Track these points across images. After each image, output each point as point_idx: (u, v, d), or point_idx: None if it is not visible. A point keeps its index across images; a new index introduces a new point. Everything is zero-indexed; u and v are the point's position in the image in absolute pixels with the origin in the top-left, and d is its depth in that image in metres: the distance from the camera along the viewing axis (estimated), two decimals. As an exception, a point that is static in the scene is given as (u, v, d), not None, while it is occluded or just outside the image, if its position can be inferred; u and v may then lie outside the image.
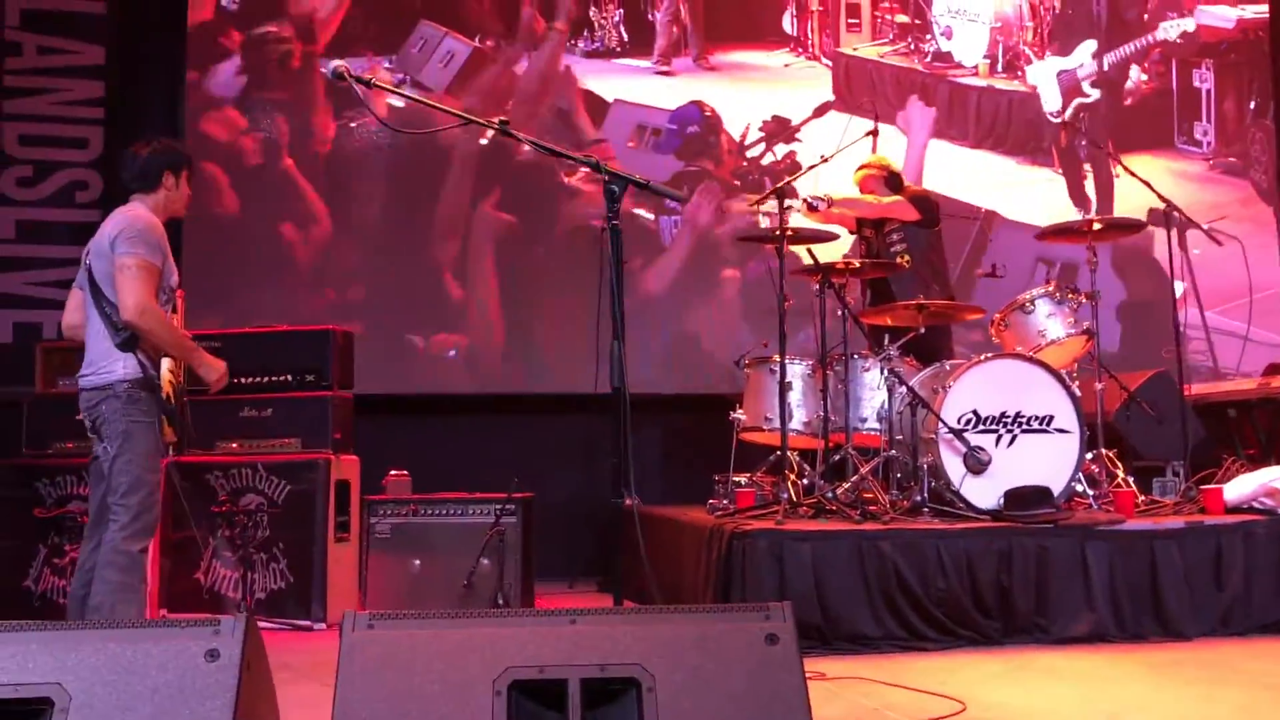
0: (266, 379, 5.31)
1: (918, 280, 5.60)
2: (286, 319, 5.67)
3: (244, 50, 6.57)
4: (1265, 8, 6.31)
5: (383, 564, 5.21)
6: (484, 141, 6.48)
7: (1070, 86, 5.68)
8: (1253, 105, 6.32)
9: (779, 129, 5.99)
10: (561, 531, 6.10)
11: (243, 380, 5.20)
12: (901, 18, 5.65)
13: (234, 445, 5.28)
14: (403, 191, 6.52)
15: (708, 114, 6.01)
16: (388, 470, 5.46)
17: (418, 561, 5.17)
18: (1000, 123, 5.62)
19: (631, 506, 2.90)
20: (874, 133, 6.34)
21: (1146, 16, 5.98)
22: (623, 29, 6.19)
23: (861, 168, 5.84)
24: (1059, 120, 5.50)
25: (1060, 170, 5.68)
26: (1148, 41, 5.89)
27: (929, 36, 5.50)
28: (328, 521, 5.12)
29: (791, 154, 6.04)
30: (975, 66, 5.59)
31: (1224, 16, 5.67)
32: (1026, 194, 5.60)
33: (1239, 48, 6.17)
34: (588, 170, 2.89)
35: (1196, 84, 5.59)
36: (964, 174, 5.66)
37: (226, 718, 2.01)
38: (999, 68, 5.57)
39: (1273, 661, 4.04)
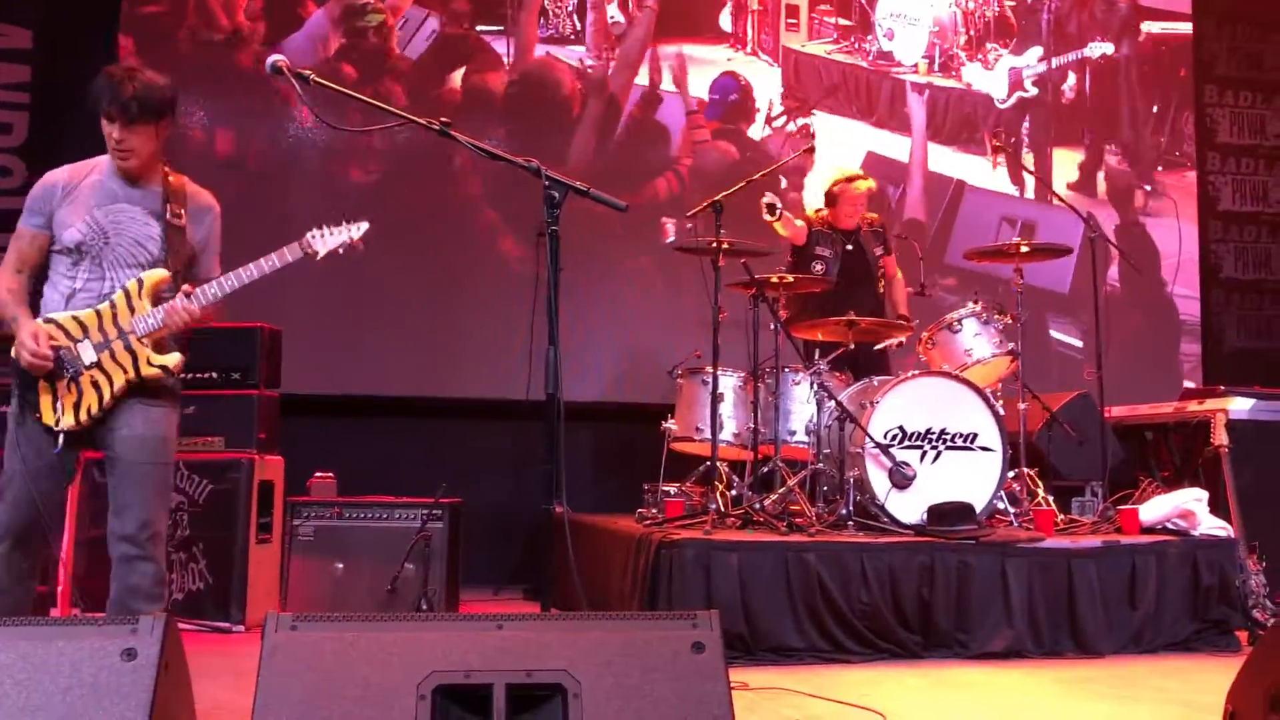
0: (190, 375, 5.18)
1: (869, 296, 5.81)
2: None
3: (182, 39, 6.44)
4: (1186, 25, 7.41)
5: (305, 567, 5.13)
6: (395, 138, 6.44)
7: (1015, 81, 6.23)
8: (1155, 110, 7.34)
9: (797, 104, 6.31)
10: (489, 538, 6.07)
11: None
12: (842, 20, 6.13)
13: (155, 442, 5.17)
14: (337, 190, 6.45)
15: (743, 83, 6.30)
16: (313, 472, 5.39)
17: (341, 565, 5.10)
18: (939, 116, 6.09)
19: (561, 514, 2.89)
20: (811, 150, 6.44)
21: (1077, 30, 6.69)
22: (575, 18, 6.47)
23: (857, 180, 5.90)
24: (1004, 105, 5.82)
25: (992, 158, 6.20)
26: (1080, 56, 6.56)
27: (870, 37, 5.95)
28: (250, 522, 5.04)
29: (806, 127, 6.35)
30: (915, 65, 6.08)
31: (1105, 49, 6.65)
32: (973, 174, 6.18)
33: (1155, 61, 7.04)
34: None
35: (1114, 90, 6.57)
36: (903, 155, 6.35)
37: (142, 719, 1.96)
38: (935, 67, 6.05)
39: (1181, 679, 4.15)
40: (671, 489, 5.29)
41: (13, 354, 3.15)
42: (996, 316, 5.41)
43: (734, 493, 5.20)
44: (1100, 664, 4.42)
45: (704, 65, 6.50)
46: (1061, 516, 5.22)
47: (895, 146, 6.22)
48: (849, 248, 5.90)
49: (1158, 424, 5.79)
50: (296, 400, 5.67)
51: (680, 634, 2.16)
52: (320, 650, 2.10)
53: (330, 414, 6.25)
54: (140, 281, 3.18)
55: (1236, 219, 8.04)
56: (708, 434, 5.14)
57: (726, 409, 5.30)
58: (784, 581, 4.47)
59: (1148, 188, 7.20)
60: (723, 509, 4.93)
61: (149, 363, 3.17)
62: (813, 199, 5.97)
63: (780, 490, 5.13)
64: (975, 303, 5.47)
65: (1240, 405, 5.28)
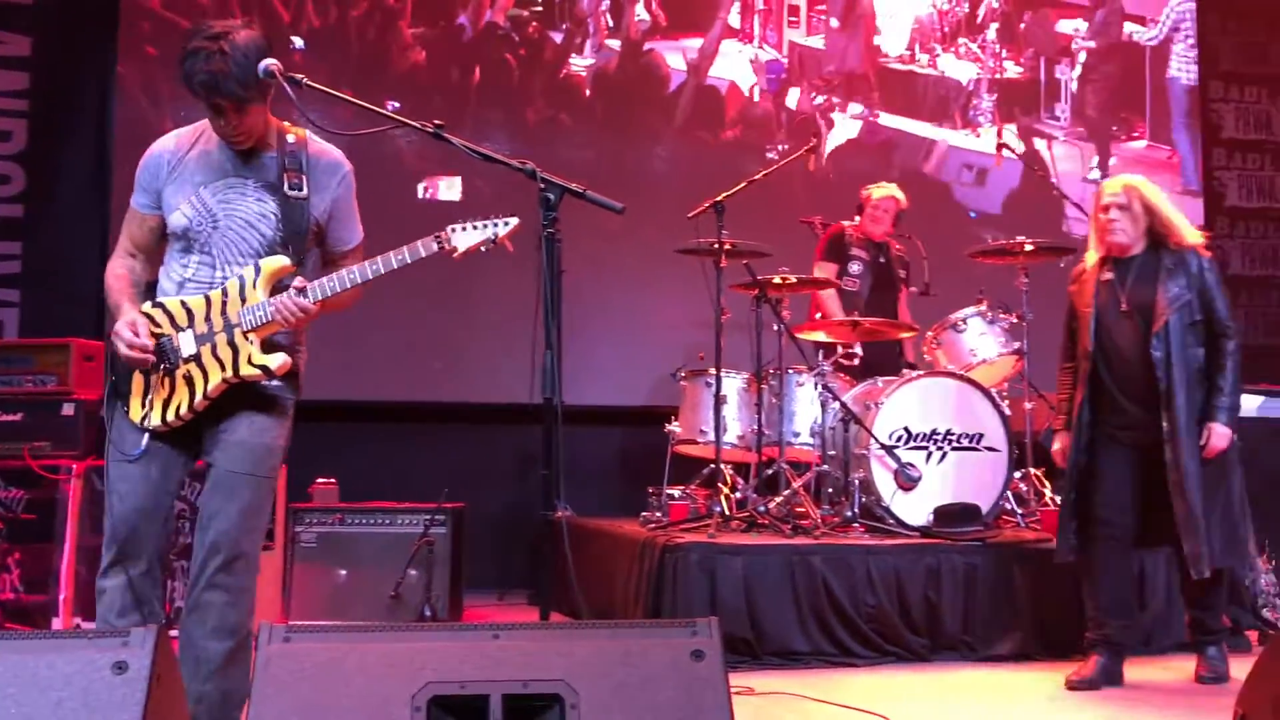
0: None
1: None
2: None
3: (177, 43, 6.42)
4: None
5: (308, 574, 5.11)
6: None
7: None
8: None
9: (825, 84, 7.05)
10: (493, 543, 6.04)
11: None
12: (833, 20, 7.01)
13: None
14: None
15: (787, 63, 6.96)
16: (315, 478, 5.36)
17: (344, 571, 5.07)
18: (918, 97, 7.11)
19: (561, 519, 2.87)
20: (813, 149, 6.44)
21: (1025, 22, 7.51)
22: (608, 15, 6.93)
23: (877, 186, 5.94)
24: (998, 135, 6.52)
25: (963, 129, 7.18)
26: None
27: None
28: (252, 529, 5.00)
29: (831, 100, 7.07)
30: (900, 55, 7.05)
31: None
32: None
33: (1105, 55, 7.61)
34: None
35: (1057, 76, 7.39)
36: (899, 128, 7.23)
37: (133, 733, 1.94)
38: (916, 58, 7.05)
39: (1190, 678, 4.11)
40: (676, 492, 5.26)
41: (111, 342, 2.81)
42: (1001, 315, 5.38)
43: (738, 495, 5.16)
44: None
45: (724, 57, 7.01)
46: (1069, 517, 5.17)
47: (883, 126, 7.08)
48: (881, 260, 5.89)
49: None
50: (298, 406, 5.62)
51: (679, 642, 2.12)
52: (314, 661, 2.07)
53: (332, 420, 6.22)
54: (257, 269, 2.80)
55: (1244, 215, 7.99)
56: (711, 436, 5.10)
57: (730, 411, 5.27)
58: (789, 585, 4.44)
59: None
60: (727, 512, 4.90)
61: (250, 361, 2.79)
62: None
63: (785, 492, 5.10)
64: (980, 302, 5.43)
65: (1249, 402, 5.22)
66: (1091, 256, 4.22)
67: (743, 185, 5.24)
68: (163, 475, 2.85)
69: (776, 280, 5.22)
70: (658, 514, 5.19)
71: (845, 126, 7.03)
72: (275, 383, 2.87)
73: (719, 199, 5.08)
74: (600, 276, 6.43)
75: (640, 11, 6.86)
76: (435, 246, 2.83)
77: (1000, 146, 5.77)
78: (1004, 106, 7.24)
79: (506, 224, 2.82)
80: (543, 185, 2.76)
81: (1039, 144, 7.37)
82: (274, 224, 2.83)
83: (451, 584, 5.07)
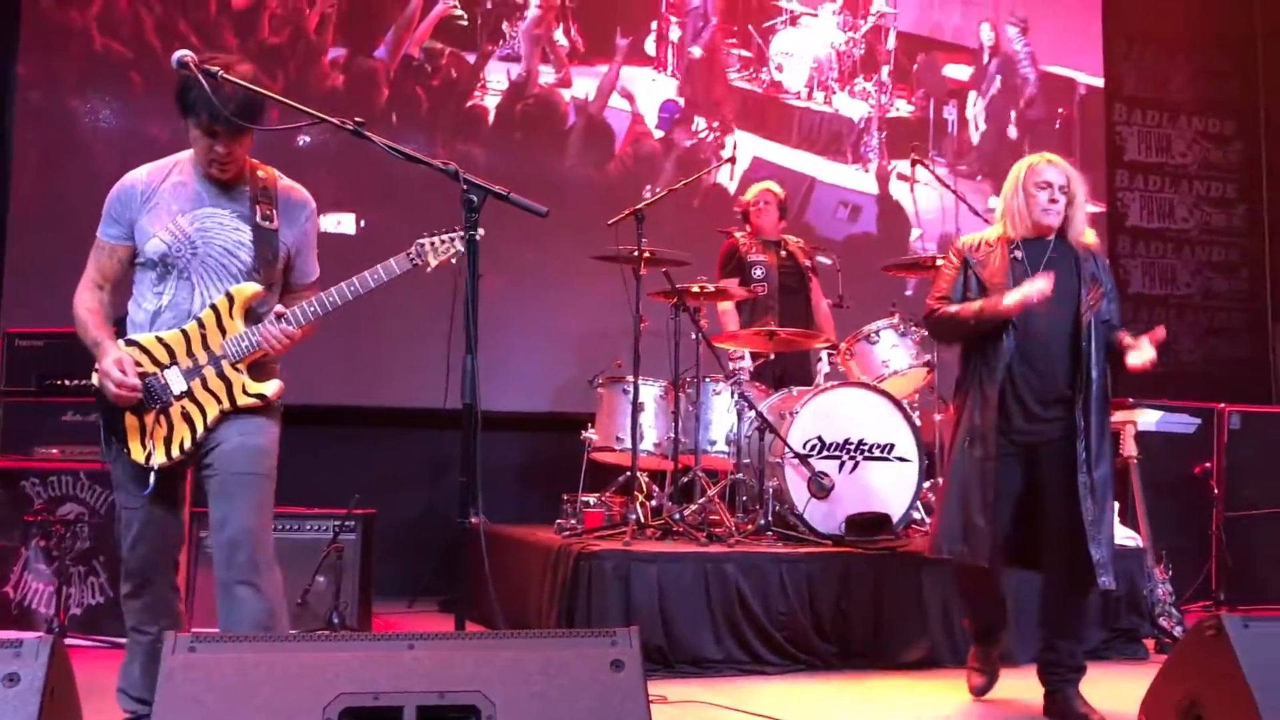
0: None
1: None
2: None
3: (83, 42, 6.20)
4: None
5: (213, 580, 4.96)
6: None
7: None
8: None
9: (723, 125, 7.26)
10: (404, 550, 5.94)
11: (66, 382, 4.90)
12: (743, 52, 7.29)
13: (54, 451, 4.96)
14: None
15: (682, 102, 7.13)
16: (221, 482, 5.21)
17: (250, 578, 4.94)
18: (813, 132, 7.43)
19: (478, 525, 2.83)
20: (731, 160, 6.54)
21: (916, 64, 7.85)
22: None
23: (759, 186, 6.01)
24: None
25: (853, 164, 7.50)
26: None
27: (765, 68, 7.30)
28: (154, 534, 4.85)
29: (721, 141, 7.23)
30: (798, 92, 7.38)
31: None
32: (835, 174, 7.52)
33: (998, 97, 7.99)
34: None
35: (945, 115, 7.81)
36: (790, 163, 7.48)
37: (26, 747, 1.86)
38: (813, 95, 7.40)
39: (1091, 687, 4.20)
40: (591, 499, 5.24)
41: (95, 382, 2.88)
42: (913, 328, 5.46)
43: (654, 503, 5.17)
44: (1016, 673, 4.45)
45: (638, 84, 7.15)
46: (977, 526, 5.26)
47: (783, 158, 7.33)
48: (782, 255, 5.93)
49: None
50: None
51: (599, 652, 2.11)
52: (221, 672, 2.01)
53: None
54: (230, 298, 2.89)
55: (1144, 235, 8.25)
56: (628, 444, 5.10)
57: (647, 419, 5.27)
58: (703, 592, 4.45)
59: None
60: (642, 519, 4.89)
61: (245, 391, 2.90)
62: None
63: (700, 500, 5.12)
64: (893, 314, 5.52)
65: (1149, 418, 5.39)
66: (997, 230, 3.91)
67: (663, 194, 5.26)
68: (170, 508, 3.01)
69: (695, 289, 5.23)
70: (573, 521, 5.16)
71: (738, 159, 7.10)
72: None
73: (639, 206, 5.08)
74: (518, 282, 6.38)
75: (560, 37, 6.91)
76: (409, 264, 2.96)
77: (914, 163, 5.89)
78: (893, 143, 7.52)
79: (474, 235, 2.85)
80: (465, 187, 2.73)
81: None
82: (251, 251, 2.92)
83: (360, 591, 4.97)
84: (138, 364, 2.84)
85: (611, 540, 4.65)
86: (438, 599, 5.89)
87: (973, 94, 7.83)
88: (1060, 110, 8.04)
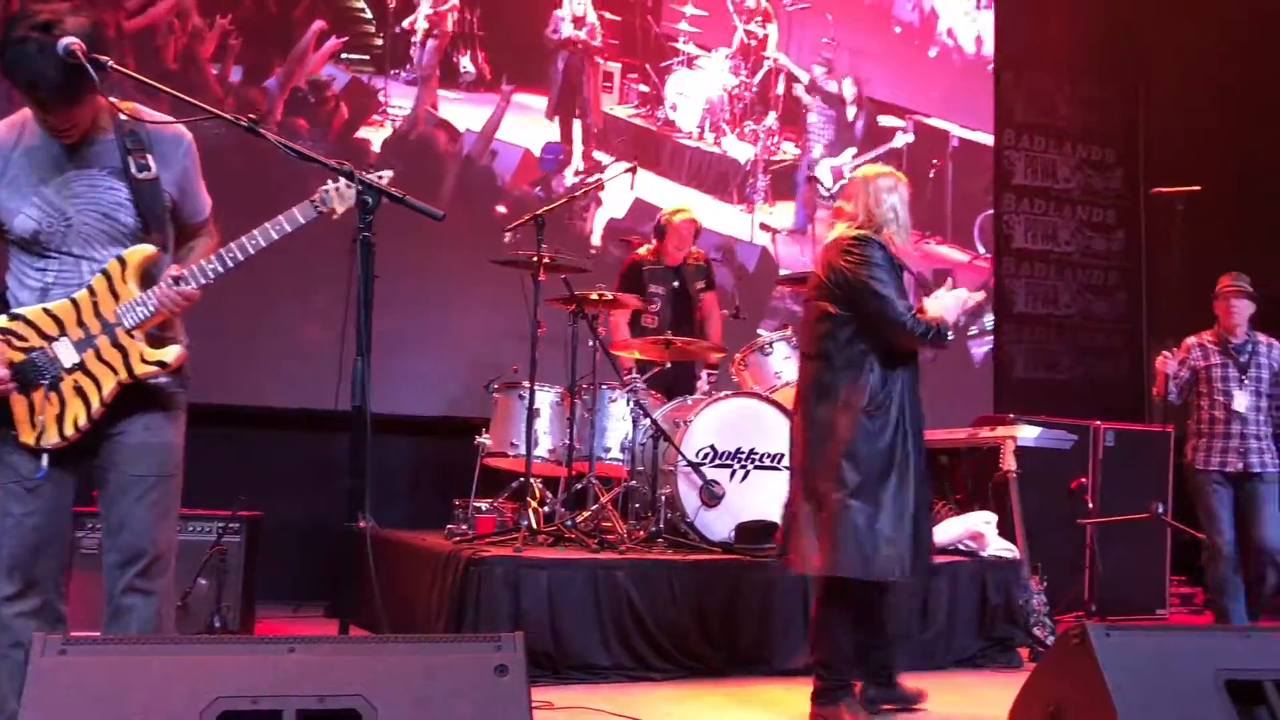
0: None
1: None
2: None
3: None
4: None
5: (89, 582, 4.78)
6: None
7: (838, 174, 7.84)
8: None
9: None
10: (290, 553, 5.82)
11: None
12: (643, 87, 7.46)
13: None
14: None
15: (567, 146, 7.18)
16: (100, 481, 5.06)
17: (128, 580, 4.80)
18: (702, 171, 7.61)
19: (365, 529, 2.80)
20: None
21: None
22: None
23: (680, 211, 6.04)
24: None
25: (741, 207, 7.68)
26: (888, 148, 8.01)
27: (660, 108, 7.50)
28: (26, 534, 4.68)
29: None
30: (690, 132, 7.57)
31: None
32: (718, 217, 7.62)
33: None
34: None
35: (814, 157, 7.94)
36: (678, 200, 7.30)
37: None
38: (705, 135, 7.60)
39: (965, 694, 4.34)
40: (483, 505, 5.21)
41: None
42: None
43: (546, 509, 5.16)
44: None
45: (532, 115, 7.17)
46: (862, 536, 5.38)
47: (670, 197, 7.29)
48: (675, 284, 5.98)
49: (952, 449, 6.05)
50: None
51: (483, 657, 2.11)
52: (94, 676, 1.96)
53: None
54: (122, 261, 2.62)
55: (1029, 256, 8.54)
56: (522, 449, 5.09)
57: (542, 425, 5.27)
58: (593, 599, 4.46)
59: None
60: (534, 526, 4.89)
61: (143, 359, 2.64)
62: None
63: (593, 507, 5.13)
64: (786, 327, 5.62)
65: (1027, 433, 5.57)
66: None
67: (563, 200, 5.27)
68: (60, 497, 2.69)
69: (594, 296, 5.25)
70: (464, 527, 5.13)
71: (622, 198, 7.19)
72: (164, 378, 2.71)
73: (539, 212, 5.09)
74: (414, 284, 6.32)
75: (466, 64, 6.90)
76: (313, 212, 2.74)
77: (810, 180, 6.02)
78: (777, 186, 7.71)
79: (380, 176, 2.73)
80: (360, 188, 2.70)
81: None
82: (132, 211, 2.65)
83: (244, 594, 4.87)
84: (21, 339, 2.60)
85: (503, 546, 4.64)
86: (323, 604, 5.79)
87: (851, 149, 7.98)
88: (935, 161, 8.14)
